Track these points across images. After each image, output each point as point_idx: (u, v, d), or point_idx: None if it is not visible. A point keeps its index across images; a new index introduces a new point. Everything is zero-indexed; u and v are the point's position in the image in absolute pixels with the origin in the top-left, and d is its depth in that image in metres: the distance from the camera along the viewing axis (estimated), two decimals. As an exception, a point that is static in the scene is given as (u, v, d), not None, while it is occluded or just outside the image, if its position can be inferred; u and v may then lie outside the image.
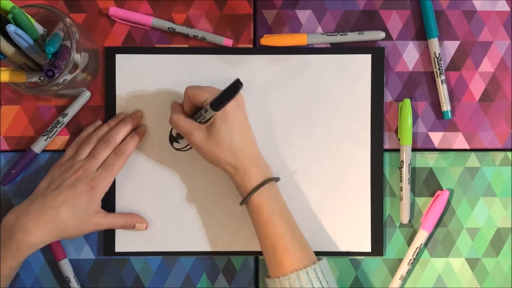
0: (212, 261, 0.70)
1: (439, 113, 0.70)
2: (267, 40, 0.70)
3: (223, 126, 0.61)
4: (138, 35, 0.70)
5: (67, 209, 0.63)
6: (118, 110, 0.70)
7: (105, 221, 0.66)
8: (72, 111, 0.69)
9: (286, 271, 0.61)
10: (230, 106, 0.62)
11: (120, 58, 0.70)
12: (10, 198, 0.70)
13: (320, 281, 0.61)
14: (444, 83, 0.69)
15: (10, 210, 0.64)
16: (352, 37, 0.70)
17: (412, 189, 0.70)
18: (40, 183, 0.66)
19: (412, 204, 0.70)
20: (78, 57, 0.62)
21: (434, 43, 0.69)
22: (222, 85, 0.60)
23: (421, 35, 0.71)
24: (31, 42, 0.59)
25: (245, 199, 0.63)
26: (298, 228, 0.64)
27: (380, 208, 0.70)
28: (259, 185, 0.62)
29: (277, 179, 0.65)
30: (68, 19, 0.61)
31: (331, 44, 0.70)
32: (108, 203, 0.69)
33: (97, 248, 0.70)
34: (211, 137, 0.62)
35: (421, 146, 0.71)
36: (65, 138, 0.70)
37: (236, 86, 0.57)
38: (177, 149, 0.70)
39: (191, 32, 0.69)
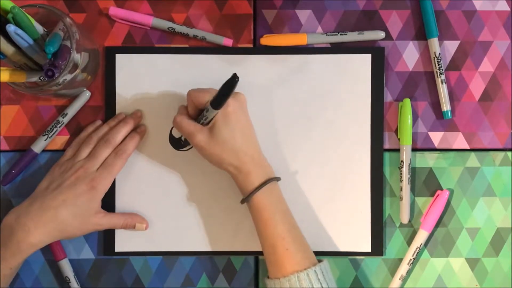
0: (212, 261, 0.70)
1: (439, 113, 0.70)
2: (267, 40, 0.70)
3: (225, 127, 0.61)
4: (138, 35, 0.70)
5: (67, 209, 0.63)
6: (118, 110, 0.70)
7: (105, 221, 0.66)
8: (72, 111, 0.69)
9: (286, 272, 0.61)
10: (232, 107, 0.61)
11: (120, 58, 0.70)
12: (10, 198, 0.70)
13: (320, 282, 0.60)
14: (444, 83, 0.69)
15: (10, 210, 0.64)
16: (352, 37, 0.70)
17: (412, 189, 0.70)
18: (40, 183, 0.66)
19: (412, 204, 0.70)
20: (78, 57, 0.62)
21: (434, 43, 0.69)
22: (222, 85, 0.60)
23: (421, 35, 0.71)
24: (31, 42, 0.58)
25: (247, 199, 0.63)
26: (299, 229, 0.64)
27: (380, 208, 0.70)
28: (260, 185, 0.62)
29: (278, 179, 0.65)
30: (68, 19, 0.61)
31: (331, 44, 0.70)
32: (108, 203, 0.69)
33: (97, 248, 0.70)
34: (213, 138, 0.62)
35: (421, 146, 0.71)
36: (65, 138, 0.70)
37: (232, 81, 0.57)
38: (177, 149, 0.70)
39: (191, 32, 0.69)
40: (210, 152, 0.62)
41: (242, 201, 0.64)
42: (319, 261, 0.63)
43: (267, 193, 0.63)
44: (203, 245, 0.70)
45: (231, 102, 0.61)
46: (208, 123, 0.63)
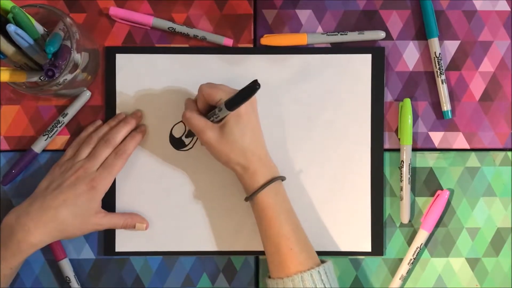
0: (212, 261, 0.70)
1: (439, 113, 0.71)
2: (267, 40, 0.70)
3: (236, 127, 0.61)
4: (138, 35, 0.70)
5: (67, 209, 0.63)
6: (118, 110, 0.70)
7: (105, 221, 0.66)
8: (72, 111, 0.69)
9: (289, 272, 0.61)
10: (245, 107, 0.61)
11: (120, 58, 0.70)
12: (10, 198, 0.70)
13: (323, 283, 0.60)
14: (444, 83, 0.69)
15: (11, 210, 0.64)
16: (352, 37, 0.70)
17: (412, 189, 0.70)
18: (40, 183, 0.66)
19: (412, 204, 0.70)
20: (78, 57, 0.62)
21: (434, 43, 0.69)
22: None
23: (421, 35, 0.71)
24: (31, 42, 0.58)
25: (251, 197, 0.63)
26: (303, 229, 0.64)
27: (380, 208, 0.70)
28: (265, 183, 0.62)
29: (283, 178, 0.65)
30: (68, 19, 0.61)
31: (331, 44, 0.70)
32: (108, 203, 0.69)
33: (97, 248, 0.70)
34: (223, 137, 0.62)
35: (421, 146, 0.71)
36: (65, 138, 0.70)
37: (253, 88, 0.56)
38: (178, 149, 0.70)
39: (191, 32, 0.69)
40: (219, 150, 0.62)
41: (246, 199, 0.64)
42: (323, 261, 0.63)
43: (273, 192, 0.63)
44: (204, 245, 0.70)
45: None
46: (219, 121, 0.63)
